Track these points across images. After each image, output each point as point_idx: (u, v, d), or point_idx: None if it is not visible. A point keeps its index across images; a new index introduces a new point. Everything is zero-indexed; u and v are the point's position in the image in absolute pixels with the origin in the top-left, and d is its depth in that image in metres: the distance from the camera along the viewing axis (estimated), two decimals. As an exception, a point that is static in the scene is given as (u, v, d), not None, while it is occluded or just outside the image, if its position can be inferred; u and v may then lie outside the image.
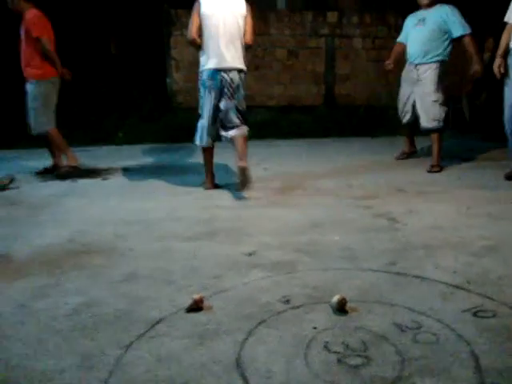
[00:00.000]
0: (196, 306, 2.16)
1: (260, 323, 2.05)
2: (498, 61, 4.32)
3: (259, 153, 5.99)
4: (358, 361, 1.79)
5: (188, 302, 2.18)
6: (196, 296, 2.19)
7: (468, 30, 4.83)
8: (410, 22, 5.17)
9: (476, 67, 4.83)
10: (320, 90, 8.41)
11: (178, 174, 4.98)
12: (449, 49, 4.95)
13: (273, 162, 5.53)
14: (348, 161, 5.63)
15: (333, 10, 8.32)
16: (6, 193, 4.39)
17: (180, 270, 2.62)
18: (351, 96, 8.44)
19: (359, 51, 8.38)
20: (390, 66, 5.27)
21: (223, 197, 4.12)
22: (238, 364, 1.78)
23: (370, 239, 3.04)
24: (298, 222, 3.40)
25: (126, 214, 3.66)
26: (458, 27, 4.83)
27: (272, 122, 7.69)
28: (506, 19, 4.30)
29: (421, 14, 5.04)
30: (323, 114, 7.99)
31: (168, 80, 7.90)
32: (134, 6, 9.41)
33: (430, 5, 4.95)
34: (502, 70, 4.30)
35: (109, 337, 1.99)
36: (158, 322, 2.09)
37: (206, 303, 2.20)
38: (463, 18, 4.87)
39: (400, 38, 5.33)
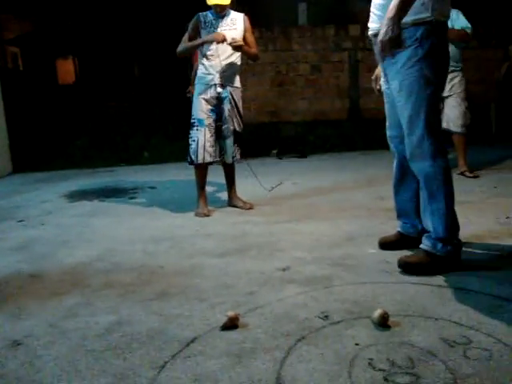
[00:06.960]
0: (231, 324, 2.08)
1: (299, 340, 1.95)
2: None
3: (287, 168, 5.93)
4: (407, 379, 1.67)
5: (222, 319, 2.10)
6: (231, 313, 2.11)
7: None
8: None
9: None
10: (345, 104, 8.33)
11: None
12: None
13: (302, 177, 5.44)
14: (377, 173, 5.50)
15: (354, 23, 8.27)
16: (34, 213, 4.39)
17: (212, 288, 2.54)
18: (376, 109, 8.33)
19: (383, 64, 8.26)
20: None
21: (252, 212, 4.05)
22: (279, 384, 1.69)
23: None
24: (330, 236, 3.30)
25: (154, 232, 3.61)
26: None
27: (298, 137, 7.64)
28: None
29: None
30: (349, 128, 7.90)
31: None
32: (156, 28, 9.52)
33: None
34: None
35: (142, 357, 1.91)
36: (192, 341, 2.00)
37: (241, 321, 2.12)
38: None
39: None
